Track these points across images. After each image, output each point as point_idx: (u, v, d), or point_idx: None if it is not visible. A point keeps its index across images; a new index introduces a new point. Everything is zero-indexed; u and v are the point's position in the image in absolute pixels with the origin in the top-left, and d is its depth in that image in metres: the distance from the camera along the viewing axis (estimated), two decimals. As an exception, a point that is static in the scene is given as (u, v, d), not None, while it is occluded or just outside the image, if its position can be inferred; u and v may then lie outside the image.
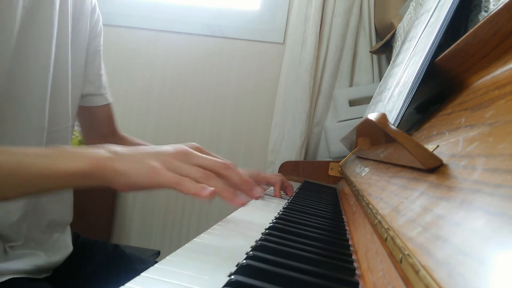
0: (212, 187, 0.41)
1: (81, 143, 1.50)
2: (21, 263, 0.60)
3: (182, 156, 0.45)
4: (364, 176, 0.58)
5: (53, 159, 0.42)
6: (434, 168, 0.29)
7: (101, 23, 0.79)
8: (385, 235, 0.29)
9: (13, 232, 0.61)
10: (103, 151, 0.44)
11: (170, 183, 0.41)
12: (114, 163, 0.43)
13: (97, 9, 0.78)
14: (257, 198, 0.42)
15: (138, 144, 0.88)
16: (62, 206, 0.71)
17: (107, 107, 0.83)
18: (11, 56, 0.54)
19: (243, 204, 0.40)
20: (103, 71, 0.81)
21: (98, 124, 0.84)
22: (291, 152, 1.44)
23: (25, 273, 0.60)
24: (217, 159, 0.46)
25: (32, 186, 0.42)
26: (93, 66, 0.78)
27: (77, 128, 1.64)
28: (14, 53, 0.54)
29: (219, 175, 0.44)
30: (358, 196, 0.52)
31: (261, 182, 0.80)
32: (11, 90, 0.56)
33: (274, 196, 0.80)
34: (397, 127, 0.43)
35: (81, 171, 0.42)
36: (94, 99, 0.80)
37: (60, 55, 0.64)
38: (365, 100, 1.33)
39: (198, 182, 0.42)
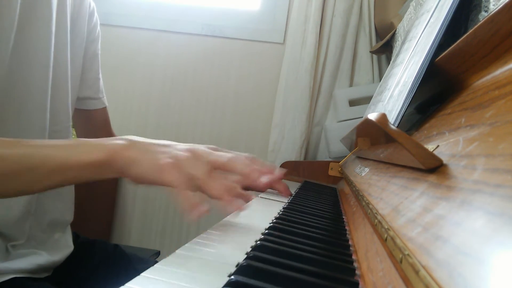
0: (210, 188, 0.42)
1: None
2: (23, 263, 0.60)
3: (194, 155, 0.45)
4: (364, 176, 0.58)
5: (75, 150, 0.43)
6: (434, 168, 0.29)
7: (99, 27, 0.79)
8: (385, 235, 0.29)
9: (15, 231, 0.61)
10: (119, 141, 0.44)
11: (171, 184, 0.41)
12: (127, 151, 0.43)
13: (95, 13, 0.77)
14: (262, 187, 0.45)
15: None
16: (63, 205, 0.71)
17: (103, 111, 0.84)
18: (10, 56, 0.54)
19: (238, 208, 0.41)
20: (100, 75, 0.82)
21: (94, 128, 0.85)
22: (291, 152, 1.44)
23: (26, 272, 0.60)
24: (227, 154, 0.47)
25: (54, 178, 0.43)
26: (92, 70, 0.79)
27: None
28: (13, 53, 0.54)
29: (227, 168, 0.45)
30: (358, 196, 0.52)
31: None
32: (12, 91, 0.56)
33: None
34: (397, 127, 0.43)
35: (99, 161, 0.43)
36: (92, 103, 0.81)
37: (59, 55, 0.64)
38: (365, 100, 1.33)
39: (198, 184, 0.42)
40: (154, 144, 0.45)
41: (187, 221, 0.43)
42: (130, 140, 0.45)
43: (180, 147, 0.46)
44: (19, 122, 0.58)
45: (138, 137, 0.47)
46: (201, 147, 0.47)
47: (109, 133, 0.88)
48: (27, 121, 0.59)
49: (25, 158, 0.42)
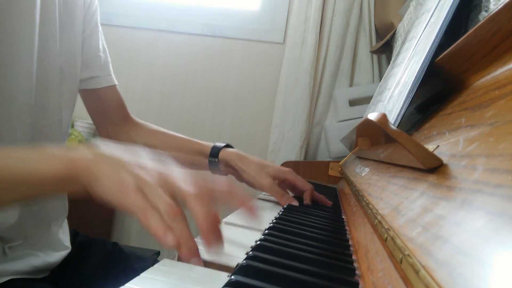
0: (171, 230, 0.35)
1: (80, 142, 1.49)
2: (20, 264, 0.60)
3: (163, 178, 0.37)
4: (364, 176, 0.58)
5: (34, 161, 0.38)
6: (434, 168, 0.29)
7: (96, 3, 0.74)
8: (385, 235, 0.29)
9: (12, 233, 0.60)
10: (85, 152, 0.39)
11: (135, 210, 0.35)
12: (91, 166, 0.38)
13: None
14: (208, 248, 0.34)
15: (157, 131, 0.85)
16: (55, 199, 0.69)
17: (111, 90, 0.79)
18: None
19: (191, 258, 0.33)
20: (102, 53, 0.77)
21: (106, 109, 0.80)
22: (291, 152, 1.44)
23: (24, 273, 0.60)
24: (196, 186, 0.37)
25: (16, 193, 0.39)
26: (89, 49, 0.74)
27: (77, 127, 1.63)
28: None
29: (190, 207, 0.36)
30: (358, 196, 0.51)
31: (288, 184, 0.74)
32: None
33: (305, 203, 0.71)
34: (397, 127, 0.43)
35: (60, 174, 0.38)
36: (91, 82, 0.76)
37: (45, 45, 0.61)
38: (365, 100, 1.33)
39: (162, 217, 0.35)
40: (120, 160, 0.38)
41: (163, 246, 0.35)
42: (97, 153, 0.39)
43: (149, 167, 0.38)
44: (5, 116, 0.56)
45: (108, 147, 0.40)
46: (173, 169, 0.39)
47: (125, 117, 0.84)
48: (14, 115, 0.57)
49: None
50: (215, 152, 0.77)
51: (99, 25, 0.76)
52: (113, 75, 0.79)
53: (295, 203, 0.67)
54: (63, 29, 0.65)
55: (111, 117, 0.82)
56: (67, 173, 0.38)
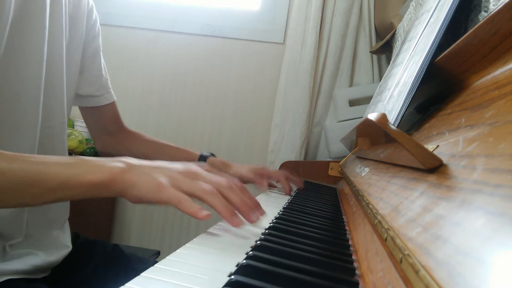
0: (212, 203, 0.43)
1: (81, 142, 1.49)
2: (20, 263, 0.60)
3: (190, 173, 0.46)
4: (364, 176, 0.58)
5: (76, 169, 0.44)
6: (434, 168, 0.29)
7: (98, 24, 0.79)
8: (385, 235, 0.29)
9: (12, 229, 0.61)
10: (119, 163, 0.46)
11: (171, 200, 0.43)
12: (126, 175, 0.45)
13: (95, 11, 0.77)
14: (253, 222, 0.45)
15: (150, 141, 0.92)
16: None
17: (111, 106, 0.85)
18: (3, 53, 0.54)
19: (239, 225, 0.43)
20: (104, 72, 0.82)
21: (103, 123, 0.87)
22: (291, 152, 1.44)
23: (23, 273, 0.60)
24: (222, 178, 0.47)
25: (54, 195, 0.44)
26: (93, 67, 0.79)
27: (77, 127, 1.63)
28: (6, 50, 0.54)
29: (221, 194, 0.45)
30: (358, 196, 0.52)
31: (266, 177, 0.86)
32: (4, 87, 0.56)
33: (285, 193, 0.84)
34: (397, 127, 0.43)
35: (100, 182, 0.44)
36: (95, 100, 0.82)
37: (54, 52, 0.64)
38: (365, 100, 1.33)
39: (200, 197, 0.44)
40: (150, 166, 0.47)
41: (198, 220, 0.44)
42: (129, 164, 0.46)
43: (175, 167, 0.47)
44: (12, 117, 0.58)
45: (135, 160, 0.48)
46: (195, 166, 0.48)
47: (120, 127, 0.90)
48: (20, 116, 0.59)
49: (25, 174, 0.42)
50: (203, 159, 0.89)
51: (101, 45, 0.81)
52: (112, 92, 0.86)
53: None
54: (69, 36, 0.68)
55: (107, 128, 0.88)
56: (106, 180, 0.44)
